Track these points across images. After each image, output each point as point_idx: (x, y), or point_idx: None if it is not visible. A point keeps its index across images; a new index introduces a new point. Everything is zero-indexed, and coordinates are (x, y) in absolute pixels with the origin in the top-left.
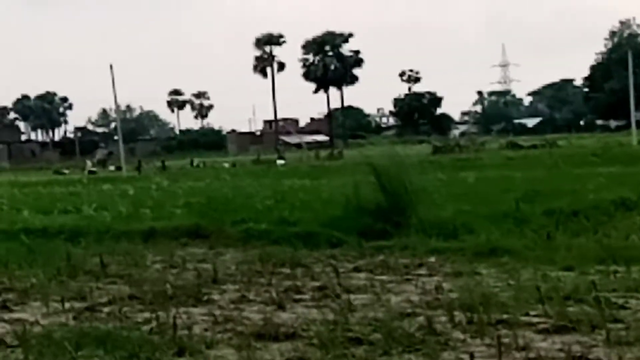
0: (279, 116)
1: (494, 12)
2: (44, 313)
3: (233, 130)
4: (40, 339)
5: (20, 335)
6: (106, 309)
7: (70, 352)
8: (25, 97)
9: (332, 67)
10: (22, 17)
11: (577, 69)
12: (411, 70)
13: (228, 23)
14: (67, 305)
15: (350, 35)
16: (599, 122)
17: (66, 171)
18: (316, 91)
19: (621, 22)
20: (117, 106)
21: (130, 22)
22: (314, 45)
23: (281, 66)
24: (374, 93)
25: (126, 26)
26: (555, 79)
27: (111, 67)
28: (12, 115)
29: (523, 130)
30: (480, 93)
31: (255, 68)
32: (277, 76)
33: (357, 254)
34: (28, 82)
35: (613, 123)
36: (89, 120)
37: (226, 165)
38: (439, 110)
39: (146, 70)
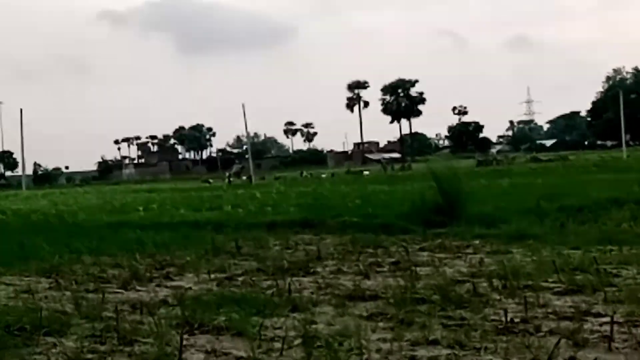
0: (365, 140)
1: (520, 62)
2: (195, 281)
3: (331, 150)
4: (193, 300)
5: (179, 297)
6: (240, 279)
7: (214, 309)
8: (182, 128)
9: (403, 104)
10: (178, 66)
11: (583, 104)
12: (461, 106)
13: (328, 72)
14: (212, 276)
15: (417, 81)
16: (599, 142)
17: (211, 181)
18: (392, 122)
19: (614, 70)
20: (248, 134)
21: (259, 67)
22: (390, 89)
23: (366, 104)
24: (434, 122)
25: (255, 71)
26: (567, 111)
27: (243, 105)
28: (172, 140)
29: (543, 148)
30: (511, 122)
31: (347, 106)
32: (363, 111)
33: (422, 238)
34: (184, 116)
35: (609, 143)
36: (227, 144)
37: (324, 175)
38: (481, 135)
39: (269, 105)
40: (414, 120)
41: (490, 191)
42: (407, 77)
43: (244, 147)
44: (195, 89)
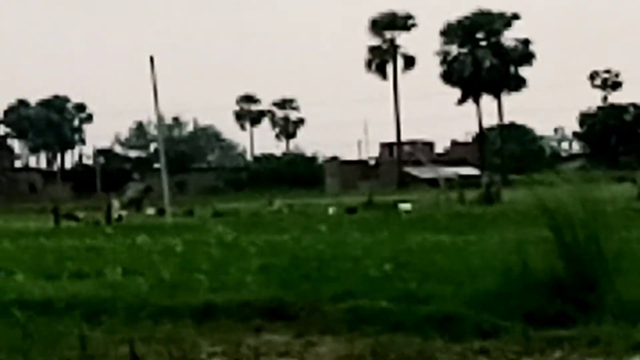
0: (405, 137)
1: None
2: None
3: (334, 158)
4: None
5: None
6: None
7: None
8: (23, 104)
9: (487, 64)
10: None
11: None
12: (607, 72)
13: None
14: None
15: (516, 17)
16: None
17: (81, 215)
18: (462, 101)
19: None
20: (160, 119)
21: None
22: (459, 32)
23: (409, 62)
24: (549, 104)
25: (171, 6)
26: None
27: (152, 60)
28: (1, 129)
29: None
30: None
31: (369, 65)
32: (403, 77)
33: (522, 348)
34: (27, 82)
35: None
36: (117, 140)
37: (331, 211)
38: None
39: (203, 67)
40: (508, 99)
41: None
42: (495, 8)
43: (152, 146)
44: (51, 27)
